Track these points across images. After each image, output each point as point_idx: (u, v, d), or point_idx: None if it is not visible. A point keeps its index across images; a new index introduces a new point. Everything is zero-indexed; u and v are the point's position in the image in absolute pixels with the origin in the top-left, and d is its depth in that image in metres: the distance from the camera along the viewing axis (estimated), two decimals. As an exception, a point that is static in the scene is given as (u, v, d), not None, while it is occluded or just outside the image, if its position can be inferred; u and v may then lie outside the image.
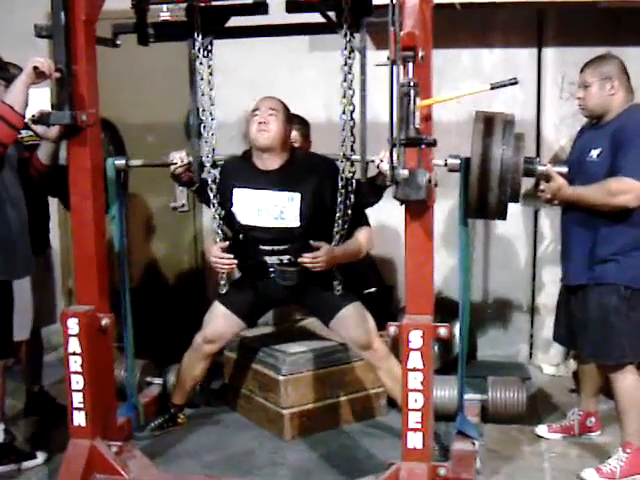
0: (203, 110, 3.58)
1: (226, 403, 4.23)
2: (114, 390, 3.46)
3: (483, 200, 3.00)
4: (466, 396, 3.60)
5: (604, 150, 3.31)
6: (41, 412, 3.99)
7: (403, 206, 2.83)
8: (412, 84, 2.51)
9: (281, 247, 3.62)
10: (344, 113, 3.40)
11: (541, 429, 3.84)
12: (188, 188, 3.66)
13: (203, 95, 3.57)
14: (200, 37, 3.49)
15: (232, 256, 3.61)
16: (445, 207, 4.25)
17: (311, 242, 3.52)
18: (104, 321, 3.20)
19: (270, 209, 3.59)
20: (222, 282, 3.73)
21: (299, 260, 3.53)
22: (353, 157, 3.44)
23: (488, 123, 3.02)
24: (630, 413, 3.33)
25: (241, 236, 3.69)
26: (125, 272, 3.64)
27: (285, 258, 3.62)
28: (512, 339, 4.94)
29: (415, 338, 2.81)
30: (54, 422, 3.80)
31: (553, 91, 4.60)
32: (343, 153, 3.45)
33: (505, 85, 2.88)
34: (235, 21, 3.56)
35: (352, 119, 3.40)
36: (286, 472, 3.51)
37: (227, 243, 3.64)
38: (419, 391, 2.84)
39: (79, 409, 3.15)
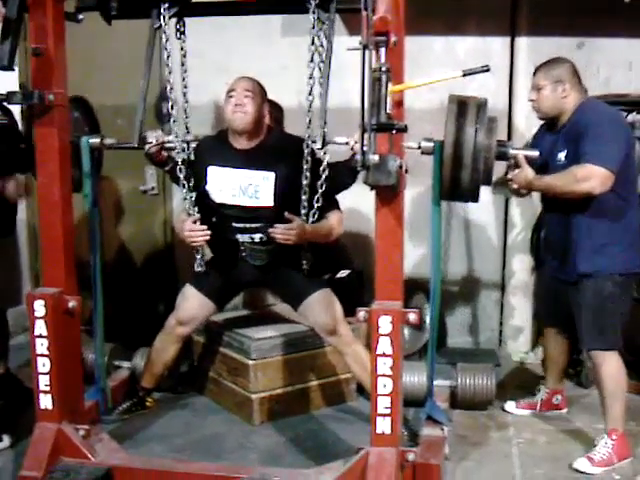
0: (171, 89, 3.54)
1: (195, 387, 4.22)
2: (81, 373, 3.43)
3: (456, 181, 3.05)
4: (435, 382, 3.62)
5: (569, 151, 3.39)
6: (7, 395, 3.95)
7: (374, 191, 2.83)
8: (384, 69, 2.50)
9: (253, 225, 3.63)
10: (310, 94, 3.38)
11: (509, 405, 3.97)
12: (162, 168, 3.63)
13: (170, 74, 3.51)
14: (165, 13, 3.40)
15: (205, 227, 3.61)
16: (415, 194, 4.27)
17: (285, 214, 3.53)
18: (71, 303, 3.17)
19: (244, 188, 3.60)
20: (198, 259, 3.71)
21: (270, 231, 3.54)
22: (326, 139, 3.40)
23: (461, 105, 3.07)
24: (615, 399, 3.39)
25: (214, 219, 3.69)
26: (97, 252, 3.59)
27: (257, 237, 3.64)
28: (482, 326, 4.97)
29: (384, 323, 2.81)
30: (21, 405, 3.76)
31: (525, 80, 4.57)
32: (309, 136, 3.43)
33: (477, 72, 2.87)
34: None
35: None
36: (255, 456, 3.51)
37: (198, 216, 3.64)
38: (388, 376, 2.84)
39: (45, 392, 3.12)
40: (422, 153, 3.14)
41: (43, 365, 3.10)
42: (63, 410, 3.16)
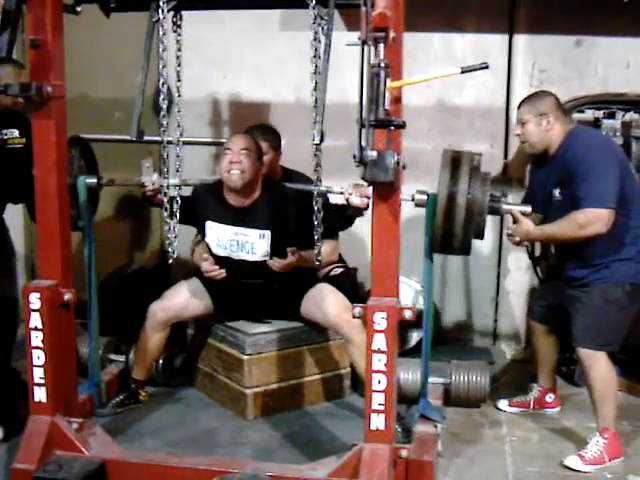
0: (163, 84, 3.47)
1: (189, 381, 4.22)
2: (76, 366, 3.42)
3: (448, 234, 3.13)
4: (429, 379, 3.62)
5: (563, 187, 3.44)
6: (2, 386, 3.94)
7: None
8: (383, 65, 2.50)
9: (252, 277, 3.79)
10: (316, 90, 3.33)
11: (502, 403, 3.99)
12: (160, 208, 3.65)
13: (164, 67, 3.45)
14: (164, 6, 3.36)
15: (218, 268, 3.76)
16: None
17: (288, 250, 3.65)
18: (67, 296, 3.16)
19: (241, 244, 3.73)
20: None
21: (269, 263, 3.69)
22: (324, 189, 3.44)
23: (455, 160, 3.14)
24: (605, 399, 3.40)
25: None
26: (92, 250, 3.61)
27: (257, 281, 3.81)
28: (476, 324, 4.98)
29: (380, 320, 2.81)
30: (16, 397, 3.75)
31: (523, 78, 4.61)
32: (315, 181, 3.42)
33: (475, 69, 2.87)
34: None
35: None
36: (248, 451, 3.51)
37: (212, 260, 3.79)
38: (383, 372, 2.84)
39: (40, 385, 3.11)
40: (416, 205, 3.21)
41: (38, 358, 3.10)
42: (57, 403, 3.16)
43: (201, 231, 3.86)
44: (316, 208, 3.40)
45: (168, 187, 3.54)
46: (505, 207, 3.36)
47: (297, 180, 3.83)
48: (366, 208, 3.22)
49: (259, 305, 3.93)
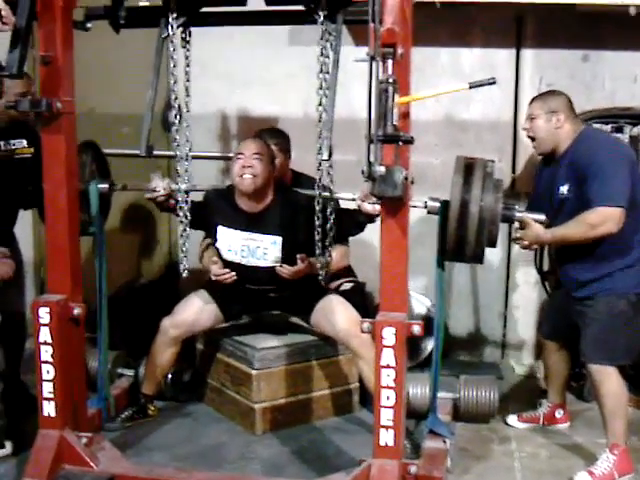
0: (175, 99, 3.52)
1: (197, 396, 4.21)
2: (85, 381, 3.43)
3: (461, 247, 3.09)
4: (438, 394, 3.61)
5: (571, 184, 3.41)
6: (12, 400, 3.94)
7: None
8: (391, 81, 2.50)
9: (263, 282, 3.78)
10: (320, 105, 3.35)
11: (511, 419, 3.96)
12: (171, 213, 3.68)
13: (175, 83, 3.50)
14: (174, 22, 3.40)
15: (228, 271, 3.74)
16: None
17: (298, 257, 3.64)
18: (76, 310, 3.17)
19: (252, 250, 3.72)
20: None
21: (277, 270, 3.67)
22: (335, 195, 3.48)
23: (469, 167, 3.10)
24: (616, 414, 3.37)
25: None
26: (103, 264, 3.61)
27: (267, 288, 3.80)
28: (485, 338, 4.96)
29: (388, 335, 2.81)
30: (24, 412, 3.75)
31: (531, 92, 4.59)
32: (324, 186, 3.46)
33: (484, 84, 2.88)
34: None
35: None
36: (257, 466, 3.50)
37: (221, 263, 3.78)
38: (391, 388, 2.84)
39: (49, 399, 3.12)
40: (428, 212, 3.19)
41: (47, 372, 3.11)
42: (66, 417, 3.17)
43: (212, 236, 3.84)
44: (327, 211, 3.44)
45: (186, 193, 3.59)
46: (518, 215, 3.32)
47: (307, 184, 3.81)
48: (378, 215, 3.21)
49: (268, 312, 3.95)
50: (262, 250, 3.71)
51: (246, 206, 3.72)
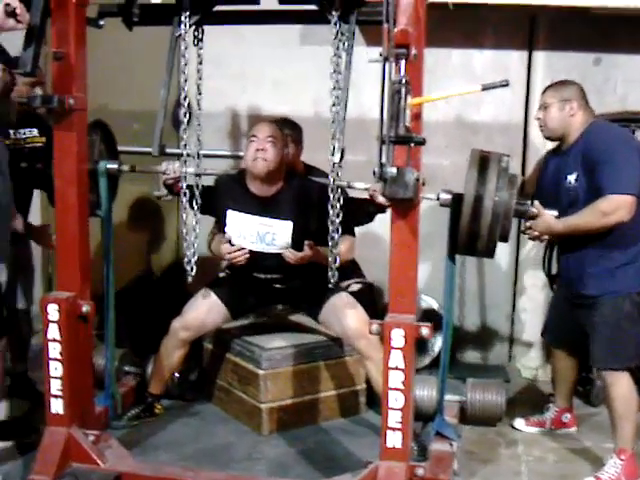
0: (185, 97, 3.46)
1: (204, 395, 4.20)
2: (92, 378, 3.43)
3: (473, 240, 3.07)
4: (445, 397, 3.60)
5: (579, 174, 3.38)
6: (19, 396, 3.95)
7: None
8: (404, 82, 2.49)
9: (271, 270, 3.76)
10: (334, 105, 3.33)
11: (519, 422, 3.95)
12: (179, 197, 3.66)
13: (186, 81, 3.45)
14: (187, 20, 3.37)
15: (240, 247, 3.69)
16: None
17: (306, 244, 3.60)
18: (85, 308, 3.17)
19: (262, 235, 3.68)
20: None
21: (283, 254, 3.62)
22: (345, 184, 3.39)
23: (483, 160, 3.07)
24: (625, 419, 3.36)
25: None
26: (110, 263, 3.60)
27: (274, 276, 3.77)
28: (492, 342, 4.95)
29: (397, 337, 2.80)
30: (32, 408, 3.76)
31: (542, 95, 4.60)
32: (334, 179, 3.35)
33: (496, 86, 2.86)
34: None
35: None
36: (263, 467, 3.50)
37: (230, 236, 3.72)
38: (400, 390, 2.83)
39: (57, 396, 3.12)
40: (440, 205, 3.16)
41: (55, 369, 3.11)
42: (74, 415, 3.16)
43: (222, 221, 3.78)
44: (335, 198, 3.34)
45: (199, 176, 3.54)
46: (532, 210, 3.30)
47: (319, 176, 3.81)
48: (389, 206, 3.17)
49: (275, 306, 3.92)
50: (271, 235, 3.67)
51: (257, 190, 3.70)
